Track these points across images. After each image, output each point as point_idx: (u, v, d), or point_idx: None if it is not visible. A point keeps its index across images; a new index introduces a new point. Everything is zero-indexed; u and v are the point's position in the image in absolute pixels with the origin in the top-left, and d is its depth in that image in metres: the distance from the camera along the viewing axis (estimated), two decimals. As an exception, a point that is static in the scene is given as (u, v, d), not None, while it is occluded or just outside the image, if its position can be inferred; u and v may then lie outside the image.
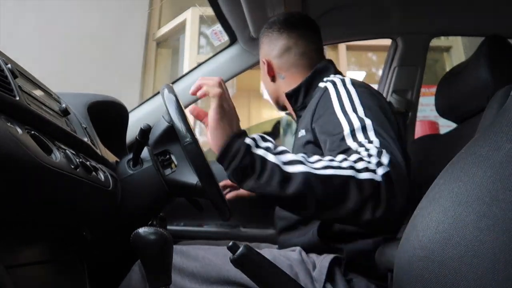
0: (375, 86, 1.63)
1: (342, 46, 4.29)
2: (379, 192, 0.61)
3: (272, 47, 1.04)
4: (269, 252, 0.84)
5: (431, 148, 1.19)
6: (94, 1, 4.11)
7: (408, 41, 1.52)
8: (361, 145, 0.69)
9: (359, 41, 1.64)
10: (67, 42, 3.99)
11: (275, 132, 4.22)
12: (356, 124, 0.73)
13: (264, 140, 0.69)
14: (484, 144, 0.38)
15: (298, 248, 0.86)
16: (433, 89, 1.22)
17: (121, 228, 0.83)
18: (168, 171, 0.89)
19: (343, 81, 0.86)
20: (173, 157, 0.90)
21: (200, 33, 4.28)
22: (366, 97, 0.81)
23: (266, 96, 4.53)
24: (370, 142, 0.69)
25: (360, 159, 0.64)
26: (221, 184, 1.18)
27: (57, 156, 0.53)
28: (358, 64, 4.76)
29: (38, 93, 0.62)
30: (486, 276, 0.32)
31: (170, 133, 0.86)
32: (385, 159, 0.64)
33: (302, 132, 0.92)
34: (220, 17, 1.35)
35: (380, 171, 0.62)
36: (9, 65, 0.53)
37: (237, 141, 0.68)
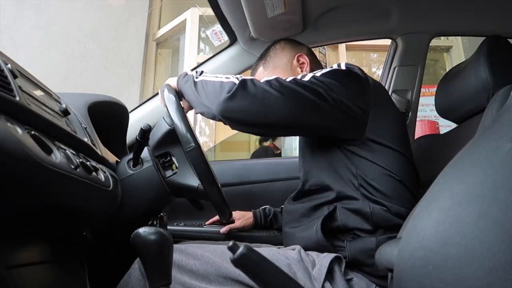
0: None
1: (342, 46, 4.28)
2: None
3: (299, 48, 1.15)
4: (268, 250, 0.84)
5: (431, 148, 1.19)
6: (94, 1, 4.11)
7: (408, 41, 1.52)
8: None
9: (359, 41, 1.63)
10: (67, 42, 3.99)
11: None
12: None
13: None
14: (484, 144, 0.38)
15: (298, 247, 0.86)
16: (433, 89, 1.23)
17: (121, 228, 0.83)
18: (169, 173, 0.89)
19: (335, 67, 0.93)
20: (174, 159, 0.90)
21: (200, 34, 4.28)
22: (328, 77, 0.88)
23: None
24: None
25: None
26: (211, 220, 1.36)
27: (57, 156, 0.53)
28: (358, 64, 4.75)
29: (38, 93, 0.62)
30: (486, 276, 0.32)
31: (171, 135, 0.86)
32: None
33: None
34: (220, 17, 1.35)
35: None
36: (9, 65, 0.53)
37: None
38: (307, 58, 1.12)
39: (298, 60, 1.11)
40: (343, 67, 0.94)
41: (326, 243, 0.84)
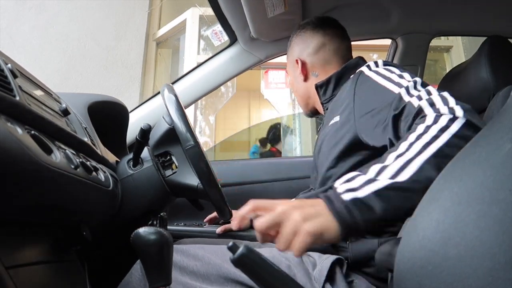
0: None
1: (342, 46, 4.27)
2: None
3: (306, 45, 1.09)
4: (268, 251, 0.84)
5: (431, 148, 1.18)
6: (94, 1, 4.11)
7: (408, 41, 1.52)
8: (420, 98, 0.68)
9: (359, 41, 1.63)
10: (67, 42, 3.99)
11: (275, 137, 4.22)
12: (406, 83, 0.72)
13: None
14: (484, 144, 0.38)
15: (297, 248, 0.86)
16: (433, 89, 1.22)
17: (121, 228, 0.83)
18: (169, 172, 0.89)
19: (377, 63, 0.89)
20: (173, 158, 0.90)
21: (200, 33, 4.28)
22: (405, 69, 0.82)
23: (267, 96, 4.54)
24: (429, 93, 0.69)
25: (438, 117, 0.62)
26: (209, 217, 1.32)
27: (57, 156, 0.53)
28: (358, 64, 4.75)
29: (38, 93, 0.62)
30: (486, 276, 0.32)
31: (171, 135, 0.86)
32: (455, 108, 0.64)
33: (335, 119, 0.91)
34: (220, 17, 1.35)
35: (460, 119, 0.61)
36: (9, 65, 0.53)
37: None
38: (301, 64, 1.09)
39: (296, 63, 1.10)
40: (382, 63, 0.91)
41: (328, 244, 0.84)
